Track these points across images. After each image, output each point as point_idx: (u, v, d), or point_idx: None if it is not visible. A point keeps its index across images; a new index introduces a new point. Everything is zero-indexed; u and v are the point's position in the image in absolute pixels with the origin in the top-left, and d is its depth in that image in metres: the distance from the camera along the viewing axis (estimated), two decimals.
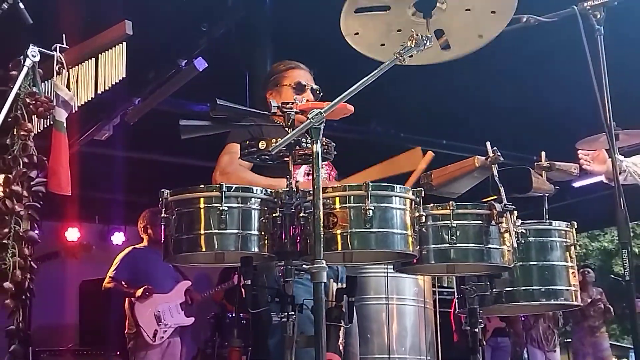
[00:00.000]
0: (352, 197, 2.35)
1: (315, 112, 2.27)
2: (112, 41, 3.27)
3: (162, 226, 2.41)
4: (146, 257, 6.01)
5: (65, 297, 7.74)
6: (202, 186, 2.41)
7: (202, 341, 7.54)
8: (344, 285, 2.57)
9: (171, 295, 6.07)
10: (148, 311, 5.92)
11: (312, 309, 2.21)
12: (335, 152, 2.49)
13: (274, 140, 2.40)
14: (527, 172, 3.14)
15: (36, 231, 3.00)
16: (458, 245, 2.51)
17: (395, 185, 2.43)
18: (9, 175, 2.89)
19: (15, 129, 2.93)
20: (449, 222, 2.52)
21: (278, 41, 4.89)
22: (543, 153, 3.27)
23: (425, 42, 2.38)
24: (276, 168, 2.56)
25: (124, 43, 3.26)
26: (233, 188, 2.38)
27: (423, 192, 2.49)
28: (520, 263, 2.78)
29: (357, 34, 2.50)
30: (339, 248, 2.33)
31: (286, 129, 2.46)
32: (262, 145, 2.42)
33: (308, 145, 2.33)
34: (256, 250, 2.36)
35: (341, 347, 2.52)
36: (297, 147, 2.38)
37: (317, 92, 3.24)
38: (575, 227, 2.98)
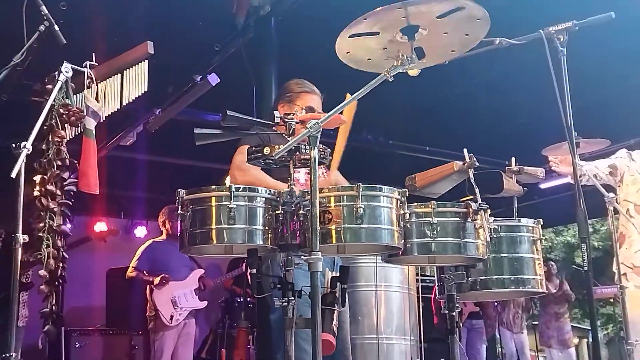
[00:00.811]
0: (345, 196, 2.35)
1: (313, 122, 2.27)
2: (135, 59, 3.27)
3: (179, 221, 2.41)
4: (164, 249, 6.00)
5: (94, 283, 7.72)
6: (213, 187, 2.40)
7: (214, 322, 7.53)
8: (338, 274, 2.56)
9: (186, 282, 6.06)
10: (165, 296, 5.91)
11: (310, 295, 2.20)
12: (330, 157, 2.49)
13: (276, 146, 2.41)
14: (499, 175, 3.14)
15: (68, 225, 2.99)
16: (438, 239, 2.51)
17: (383, 186, 2.43)
18: (45, 176, 2.88)
19: (50, 136, 2.93)
20: (430, 218, 2.51)
21: (282, 59, 4.88)
22: (513, 158, 3.27)
23: (409, 62, 2.38)
24: (281, 169, 2.56)
25: (146, 61, 3.26)
26: (241, 188, 2.38)
27: (407, 193, 2.49)
28: (493, 255, 2.77)
29: (348, 52, 2.50)
30: (334, 241, 2.33)
31: (288, 137, 2.46)
32: (266, 151, 2.42)
33: (307, 151, 2.33)
34: (261, 243, 2.36)
35: (335, 328, 2.50)
36: (297, 153, 2.38)
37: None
38: (541, 223, 2.97)
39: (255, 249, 2.38)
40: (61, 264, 2.80)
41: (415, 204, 2.55)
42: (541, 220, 2.97)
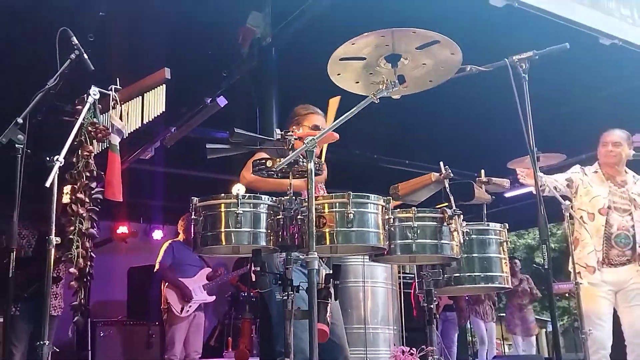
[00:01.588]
0: (337, 203, 2.34)
1: (309, 138, 2.28)
2: (154, 83, 3.27)
3: (192, 225, 2.40)
4: (182, 249, 5.99)
5: (116, 280, 7.68)
6: (222, 195, 2.39)
7: (221, 314, 7.49)
8: (331, 271, 2.56)
9: (195, 279, 6.03)
10: (176, 292, 5.91)
11: (306, 290, 2.20)
12: (325, 170, 2.49)
13: (278, 159, 2.41)
14: (471, 185, 3.15)
15: (95, 229, 2.98)
16: (418, 240, 2.50)
17: (370, 194, 2.43)
18: (75, 186, 2.88)
19: (79, 150, 2.92)
20: (411, 222, 2.50)
21: (281, 84, 4.89)
22: (482, 171, 3.28)
23: (393, 86, 2.40)
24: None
25: (164, 85, 3.26)
26: (246, 197, 2.38)
27: (391, 200, 2.49)
28: (465, 255, 2.76)
29: (339, 74, 2.51)
30: (327, 243, 2.32)
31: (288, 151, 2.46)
32: (269, 163, 2.43)
33: (304, 163, 2.33)
34: (264, 244, 2.35)
35: (329, 320, 2.50)
36: (296, 165, 2.39)
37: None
38: (507, 227, 2.98)
39: (259, 249, 2.37)
40: (89, 263, 2.80)
41: (398, 210, 2.56)
42: (507, 224, 2.97)
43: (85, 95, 2.89)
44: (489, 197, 3.25)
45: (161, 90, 3.25)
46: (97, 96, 2.92)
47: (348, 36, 2.37)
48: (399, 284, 4.80)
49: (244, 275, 6.87)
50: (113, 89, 3.16)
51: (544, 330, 17.18)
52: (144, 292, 6.85)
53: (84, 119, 2.83)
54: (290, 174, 2.41)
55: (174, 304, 5.84)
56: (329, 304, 2.51)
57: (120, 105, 3.20)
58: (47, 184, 2.38)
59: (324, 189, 3.14)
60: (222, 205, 2.36)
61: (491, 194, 3.31)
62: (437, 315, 3.03)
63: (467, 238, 2.76)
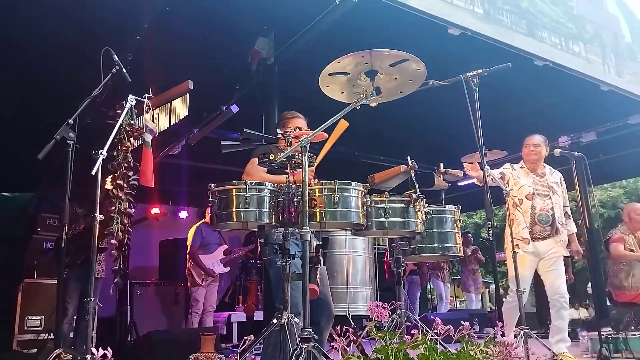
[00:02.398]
0: (326, 189, 2.34)
1: (304, 137, 2.27)
2: (180, 93, 3.23)
3: (209, 206, 2.39)
4: (207, 230, 5.97)
5: (151, 250, 7.64)
6: (234, 182, 2.39)
7: (234, 277, 7.48)
8: (320, 243, 2.55)
9: (214, 254, 6.02)
10: (199, 271, 5.89)
11: (300, 257, 2.19)
12: (316, 162, 2.47)
13: (278, 154, 2.40)
14: (431, 175, 3.15)
15: (132, 209, 2.95)
16: (390, 219, 2.52)
17: (352, 182, 2.42)
18: (115, 174, 2.85)
19: (119, 146, 2.89)
20: (384, 204, 2.51)
21: (281, 94, 4.85)
22: (441, 164, 3.28)
23: (371, 95, 2.38)
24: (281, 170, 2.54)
25: (187, 94, 3.22)
26: (253, 183, 2.37)
27: (369, 187, 2.49)
28: (427, 230, 2.79)
29: (328, 86, 2.50)
30: (318, 220, 2.32)
31: (286, 147, 2.44)
32: (271, 157, 2.41)
33: (299, 157, 2.32)
34: (267, 221, 2.35)
35: (318, 281, 2.49)
36: (293, 158, 2.37)
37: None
38: (460, 209, 2.99)
39: (263, 225, 2.37)
40: (127, 236, 2.77)
41: (374, 194, 2.56)
42: (460, 206, 2.99)
43: (124, 101, 2.85)
44: (445, 185, 3.26)
45: (185, 98, 3.22)
46: (134, 102, 2.88)
47: (335, 56, 2.35)
48: (374, 253, 4.80)
49: (253, 250, 6.87)
50: (146, 97, 3.12)
51: (487, 289, 17.33)
52: (172, 260, 6.83)
53: (123, 121, 2.79)
54: (289, 165, 2.39)
55: (196, 274, 5.88)
56: (319, 269, 2.51)
57: (152, 110, 3.16)
58: (93, 173, 2.35)
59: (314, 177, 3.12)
60: (234, 190, 2.36)
61: (448, 182, 3.32)
62: (404, 278, 3.03)
63: (429, 217, 2.77)
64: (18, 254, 5.37)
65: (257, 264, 6.63)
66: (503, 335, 2.02)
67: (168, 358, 3.49)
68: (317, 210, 2.31)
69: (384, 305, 1.75)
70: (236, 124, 5.33)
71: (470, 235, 9.41)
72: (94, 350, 1.71)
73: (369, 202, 2.48)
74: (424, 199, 2.62)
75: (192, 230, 6.12)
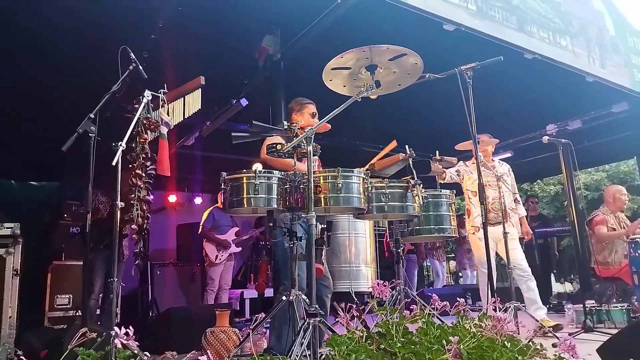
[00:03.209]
0: (329, 176, 2.34)
1: (309, 128, 2.25)
2: (192, 88, 3.21)
3: (222, 193, 2.39)
4: (219, 213, 5.96)
5: (169, 233, 7.67)
6: (244, 170, 2.38)
7: (246, 257, 7.52)
8: (325, 226, 2.55)
9: (227, 235, 6.03)
10: (212, 245, 5.90)
11: (307, 239, 2.19)
12: (320, 151, 2.46)
13: (284, 144, 2.38)
14: (428, 162, 3.13)
15: (151, 196, 2.95)
16: (390, 203, 2.51)
17: (354, 169, 2.41)
18: (134, 164, 2.84)
19: (137, 138, 2.88)
20: (384, 190, 2.51)
21: (287, 88, 4.81)
22: (437, 151, 3.26)
23: (371, 88, 2.36)
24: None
25: (200, 89, 3.21)
26: (262, 172, 2.36)
27: (370, 173, 2.48)
28: (424, 213, 2.78)
29: (331, 80, 2.47)
30: (322, 205, 2.32)
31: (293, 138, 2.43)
32: (279, 147, 2.40)
33: (305, 147, 2.30)
34: (275, 206, 2.35)
35: (324, 261, 2.50)
36: (299, 148, 2.36)
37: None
38: (454, 193, 2.98)
39: (272, 210, 2.36)
40: (146, 221, 2.77)
41: (375, 180, 2.55)
42: (454, 191, 2.97)
43: (141, 96, 2.84)
44: (442, 171, 3.24)
45: (198, 93, 3.20)
46: (150, 97, 2.87)
47: (337, 51, 2.33)
48: (375, 234, 4.81)
49: (263, 232, 6.88)
50: (162, 92, 3.10)
51: None
52: (188, 242, 6.86)
53: (140, 115, 2.78)
54: (295, 155, 2.38)
55: (210, 254, 5.88)
56: (323, 250, 2.51)
57: (167, 104, 3.14)
58: (113, 163, 2.35)
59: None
60: (244, 178, 2.36)
61: (444, 168, 3.30)
62: (402, 257, 3.03)
63: (425, 201, 2.76)
64: (47, 239, 5.41)
65: (266, 245, 6.66)
66: (495, 310, 2.02)
67: (187, 332, 3.53)
68: (322, 195, 2.31)
69: (384, 283, 1.75)
70: (245, 117, 5.31)
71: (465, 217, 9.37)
72: (116, 329, 1.71)
73: (370, 188, 2.47)
74: (421, 184, 2.61)
75: (205, 213, 6.14)
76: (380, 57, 2.34)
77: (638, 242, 4.09)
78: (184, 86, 3.26)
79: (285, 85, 4.75)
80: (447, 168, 3.40)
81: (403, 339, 1.57)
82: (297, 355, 1.90)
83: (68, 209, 5.67)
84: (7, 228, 2.99)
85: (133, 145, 2.85)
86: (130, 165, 2.81)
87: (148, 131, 2.93)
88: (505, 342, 1.59)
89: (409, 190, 2.54)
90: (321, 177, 2.34)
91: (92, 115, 2.46)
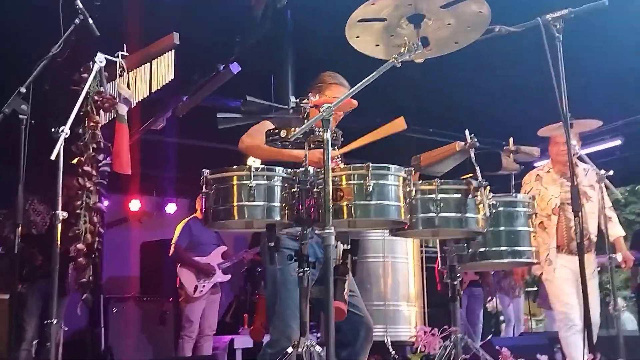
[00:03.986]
0: (355, 175, 2.33)
1: (325, 106, 2.25)
2: (162, 49, 3.25)
3: (203, 199, 2.40)
4: (199, 226, 6.02)
5: (129, 255, 7.78)
6: (235, 167, 2.39)
7: (237, 290, 7.57)
8: (349, 247, 2.55)
9: (209, 257, 6.07)
10: (189, 271, 5.97)
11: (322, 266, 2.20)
12: (342, 139, 2.47)
13: (292, 129, 2.39)
14: (498, 154, 3.11)
15: (106, 203, 3.00)
16: (441, 214, 2.49)
17: (391, 165, 2.41)
18: (81, 158, 2.89)
19: (85, 121, 2.93)
20: (434, 195, 2.49)
21: (297, 48, 4.83)
22: (511, 139, 3.23)
23: (415, 49, 2.34)
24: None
25: (173, 51, 3.24)
26: (260, 168, 2.37)
27: (413, 171, 2.47)
28: (491, 228, 2.75)
29: (357, 37, 2.47)
30: (345, 217, 2.31)
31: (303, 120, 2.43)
32: (283, 133, 2.40)
33: (320, 133, 2.30)
34: (278, 218, 2.35)
35: (346, 297, 2.50)
36: (312, 135, 2.36)
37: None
38: (536, 199, 2.95)
39: (273, 224, 2.37)
40: (97, 239, 2.81)
41: (421, 181, 2.54)
42: (535, 196, 2.95)
43: (91, 62, 2.88)
44: (517, 167, 3.21)
45: (170, 56, 3.23)
46: (103, 63, 2.91)
47: None
48: (422, 258, 4.79)
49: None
50: (120, 56, 3.14)
51: None
52: (158, 267, 6.94)
53: (89, 88, 2.83)
54: (306, 144, 2.38)
55: (187, 284, 5.90)
56: (347, 281, 2.52)
57: (128, 73, 3.18)
58: (53, 157, 2.38)
59: (340, 160, 3.11)
60: (235, 177, 2.36)
61: (520, 163, 3.27)
62: (462, 292, 3.01)
63: (494, 211, 2.73)
64: None
65: None
66: None
67: None
68: (345, 203, 2.30)
69: (433, 331, 1.74)
70: (237, 90, 5.34)
71: None
72: None
73: (414, 192, 2.46)
74: (488, 187, 2.59)
75: (179, 227, 6.19)
76: (428, 3, 2.33)
77: None
78: (150, 47, 3.30)
79: (293, 45, 4.77)
80: (524, 163, 3.37)
81: None
82: None
83: None
84: None
85: (80, 131, 2.89)
86: (76, 160, 2.85)
87: (101, 111, 2.97)
88: None
89: (470, 196, 2.52)
90: (343, 177, 2.33)
91: (22, 90, 2.50)
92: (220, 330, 6.65)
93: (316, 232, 2.35)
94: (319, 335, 4.27)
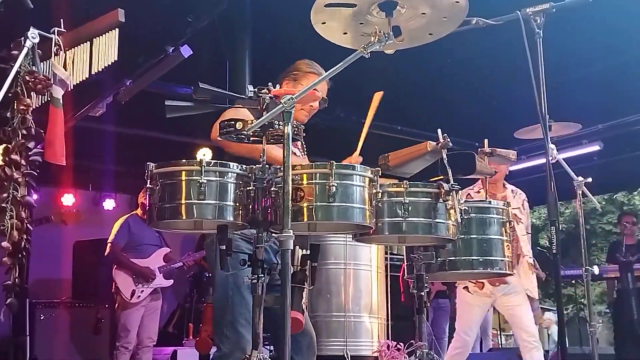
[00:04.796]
0: (317, 174, 2.33)
1: (287, 97, 2.24)
2: (105, 27, 3.19)
3: (147, 195, 2.38)
4: (139, 224, 5.94)
5: (60, 255, 7.64)
6: (184, 161, 2.37)
7: (182, 297, 7.52)
8: (308, 252, 2.55)
9: (149, 260, 5.99)
10: (126, 274, 5.89)
11: (279, 272, 2.20)
12: (304, 134, 2.46)
13: (249, 121, 2.38)
14: (472, 156, 3.14)
15: (35, 196, 2.93)
16: (409, 219, 2.50)
17: (356, 165, 2.42)
18: (9, 146, 2.81)
19: (15, 104, 2.84)
20: (402, 198, 2.50)
21: (256, 32, 4.80)
22: (486, 140, 3.28)
23: (386, 39, 2.36)
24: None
25: (117, 29, 3.18)
26: (212, 163, 2.36)
27: (380, 172, 2.48)
28: (462, 236, 2.77)
29: (324, 23, 2.48)
30: (305, 219, 2.31)
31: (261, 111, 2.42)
32: (239, 125, 2.39)
33: (280, 127, 2.30)
34: (231, 219, 2.34)
35: (304, 307, 2.50)
36: (271, 129, 2.35)
37: (325, 102, 3.08)
38: (510, 206, 2.99)
39: (225, 225, 2.36)
40: (25, 236, 2.75)
41: (388, 183, 2.55)
42: (510, 202, 2.99)
43: (23, 38, 2.80)
44: (492, 171, 3.26)
45: (113, 35, 3.17)
46: (37, 40, 2.84)
47: None
48: (386, 266, 4.83)
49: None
50: (56, 32, 3.07)
51: (547, 319, 17.59)
52: (92, 269, 6.84)
53: (20, 67, 2.75)
54: (264, 139, 2.37)
55: (124, 288, 5.81)
56: (305, 290, 2.52)
57: (65, 52, 3.11)
58: None
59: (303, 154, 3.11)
60: (183, 172, 2.34)
61: (495, 166, 3.32)
62: (428, 304, 3.05)
63: (466, 217, 2.77)
64: None
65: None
66: None
67: None
68: (305, 204, 2.30)
69: (398, 345, 1.76)
70: (188, 75, 5.30)
71: None
72: None
73: (380, 195, 2.47)
74: (460, 191, 2.62)
75: (116, 224, 6.11)
76: None
77: None
78: (91, 23, 3.23)
79: (252, 28, 4.75)
80: (501, 165, 3.44)
81: None
82: None
83: None
84: None
85: (8, 114, 2.81)
86: (3, 148, 2.78)
87: (32, 93, 2.89)
88: None
89: (441, 200, 2.55)
90: (304, 176, 2.32)
91: None
92: (162, 341, 6.59)
93: (273, 235, 2.35)
94: (271, 348, 4.25)
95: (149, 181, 2.36)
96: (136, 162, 2.82)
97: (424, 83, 6.04)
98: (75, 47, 3.17)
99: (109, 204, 8.98)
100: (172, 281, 6.19)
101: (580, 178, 4.03)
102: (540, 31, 2.86)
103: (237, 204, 2.34)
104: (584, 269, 3.82)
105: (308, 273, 2.49)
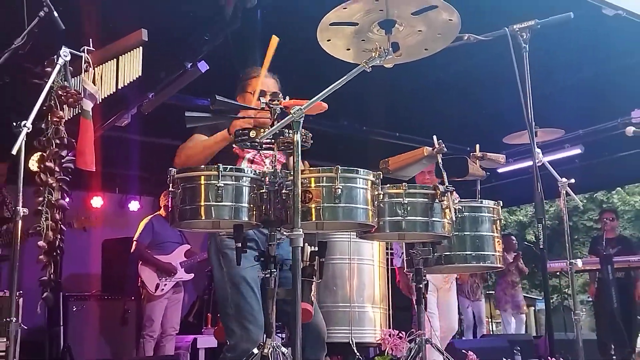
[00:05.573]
0: (324, 178, 2.33)
1: (296, 108, 2.24)
2: (130, 46, 3.21)
3: (169, 198, 2.38)
4: (162, 224, 5.97)
5: (90, 252, 7.62)
6: (202, 166, 2.39)
7: (201, 289, 7.51)
8: (317, 249, 2.55)
9: (171, 256, 6.03)
10: (150, 269, 5.92)
11: (290, 267, 2.19)
12: (312, 142, 2.47)
13: (262, 130, 2.38)
14: (465, 160, 3.14)
15: (67, 199, 2.94)
16: (408, 218, 2.52)
17: (359, 169, 2.42)
18: (44, 154, 2.82)
19: (49, 116, 2.86)
20: (401, 199, 2.51)
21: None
22: (477, 145, 3.27)
23: (386, 54, 2.36)
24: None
25: (140, 48, 3.20)
26: (228, 169, 2.37)
27: (381, 175, 2.49)
28: (457, 233, 2.79)
29: (329, 40, 2.48)
30: (313, 219, 2.32)
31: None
32: (252, 134, 2.40)
33: (290, 135, 2.30)
34: (246, 219, 2.34)
35: (313, 299, 2.50)
36: (281, 137, 2.36)
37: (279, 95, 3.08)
38: (501, 205, 2.99)
39: (240, 225, 2.36)
40: (59, 236, 2.76)
41: (388, 185, 2.55)
42: (501, 202, 2.98)
43: (56, 56, 2.81)
44: (483, 173, 3.25)
45: (137, 53, 3.20)
46: (68, 58, 2.85)
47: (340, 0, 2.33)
48: (387, 261, 4.82)
49: None
50: (85, 51, 3.08)
51: (532, 308, 17.52)
52: (120, 265, 6.83)
53: (53, 82, 2.76)
54: (276, 146, 2.38)
55: (149, 282, 5.85)
56: (314, 283, 2.52)
57: (94, 69, 3.13)
58: (14, 152, 2.33)
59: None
60: (202, 177, 2.35)
61: (485, 169, 3.31)
62: (426, 295, 3.04)
63: (460, 215, 2.77)
64: None
65: None
66: None
67: None
68: (313, 205, 2.30)
69: (400, 334, 1.75)
70: (206, 89, 5.29)
71: (514, 238, 9.49)
72: None
73: (381, 196, 2.47)
74: (454, 192, 2.61)
75: (141, 224, 6.13)
76: (400, 9, 2.35)
77: None
78: (117, 42, 3.25)
79: (263, 45, 4.74)
80: (490, 169, 3.43)
81: None
82: None
83: None
84: None
85: (43, 126, 2.83)
86: (38, 156, 2.79)
87: (65, 106, 2.91)
88: None
89: (437, 200, 2.55)
90: (312, 180, 2.33)
91: None
92: (183, 329, 6.58)
93: (284, 233, 2.35)
94: (283, 336, 4.25)
95: (171, 185, 2.37)
96: (159, 167, 2.82)
97: (421, 94, 6.01)
98: (103, 64, 3.19)
99: (134, 205, 8.97)
100: (192, 275, 6.20)
101: (564, 179, 4.01)
102: (526, 45, 2.87)
103: (252, 205, 2.35)
104: (568, 261, 3.81)
105: (316, 268, 2.50)
